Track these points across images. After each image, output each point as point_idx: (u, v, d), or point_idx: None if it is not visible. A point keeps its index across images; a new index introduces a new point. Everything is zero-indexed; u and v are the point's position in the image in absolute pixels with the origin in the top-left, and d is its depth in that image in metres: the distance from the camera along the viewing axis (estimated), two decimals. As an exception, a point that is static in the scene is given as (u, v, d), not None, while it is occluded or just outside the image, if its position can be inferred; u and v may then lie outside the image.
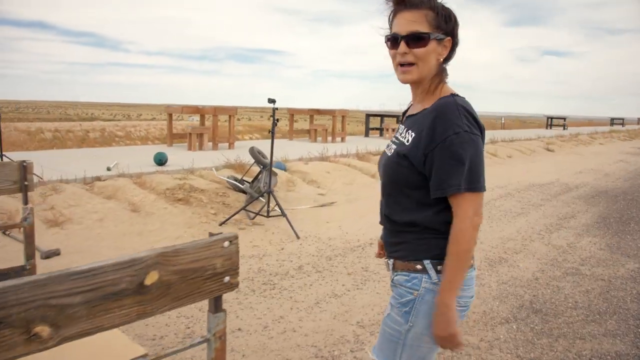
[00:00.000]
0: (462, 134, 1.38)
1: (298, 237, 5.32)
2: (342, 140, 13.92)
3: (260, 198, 6.30)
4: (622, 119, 49.67)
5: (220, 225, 5.56)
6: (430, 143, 1.41)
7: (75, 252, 4.51)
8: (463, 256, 1.41)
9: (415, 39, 1.42)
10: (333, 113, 13.39)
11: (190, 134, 10.00)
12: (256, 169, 7.12)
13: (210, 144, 10.53)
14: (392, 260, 1.58)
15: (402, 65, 1.46)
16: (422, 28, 1.42)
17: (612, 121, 47.94)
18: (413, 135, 1.47)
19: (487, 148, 15.02)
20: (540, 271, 4.65)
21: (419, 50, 1.43)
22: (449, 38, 1.46)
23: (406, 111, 1.65)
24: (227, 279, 1.22)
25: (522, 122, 43.72)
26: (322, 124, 13.98)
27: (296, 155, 9.68)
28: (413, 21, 1.42)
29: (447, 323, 1.42)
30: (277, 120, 5.48)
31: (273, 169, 7.74)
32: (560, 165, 13.98)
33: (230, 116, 10.67)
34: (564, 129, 31.74)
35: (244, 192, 6.56)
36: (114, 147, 13.29)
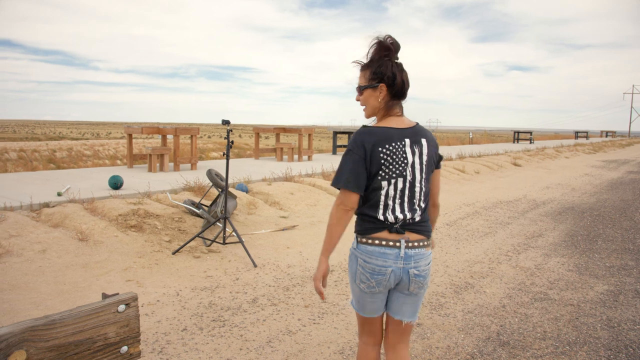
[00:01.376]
0: (348, 147, 2.13)
1: (255, 265, 5.04)
2: (309, 158, 13.72)
3: (218, 223, 6.01)
4: (587, 132, 50.94)
5: (174, 254, 5.24)
6: None
7: (9, 288, 4.13)
8: (329, 229, 2.12)
9: (358, 90, 2.21)
10: (299, 131, 13.20)
11: (150, 155, 9.64)
12: (215, 191, 6.83)
13: (172, 164, 10.19)
14: None
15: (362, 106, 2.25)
16: (361, 83, 2.19)
17: (577, 134, 49.10)
18: None
19: (455, 164, 15.03)
20: (508, 297, 4.47)
21: (360, 97, 2.21)
22: (382, 84, 2.13)
23: None
24: (124, 349, 1.01)
25: (490, 136, 44.40)
26: (288, 142, 13.75)
27: (260, 176, 9.41)
28: (360, 78, 2.20)
29: (317, 273, 2.17)
30: (232, 142, 5.22)
31: (233, 191, 7.46)
32: (528, 180, 14.04)
33: (192, 136, 10.36)
34: (531, 142, 32.28)
35: (201, 216, 6.26)
36: (71, 169, 12.79)
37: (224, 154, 5.19)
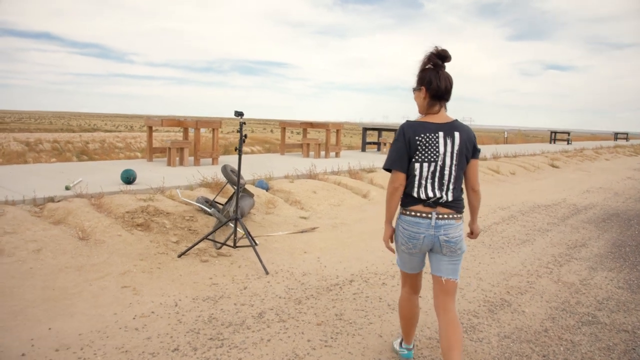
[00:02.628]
0: (395, 137, 2.69)
1: (267, 273, 4.58)
2: (337, 155, 13.22)
3: (230, 224, 5.58)
4: (627, 134, 48.95)
5: (180, 257, 4.83)
6: None
7: (-6, 292, 3.78)
8: (387, 203, 2.70)
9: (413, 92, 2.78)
10: (327, 126, 12.71)
11: (169, 148, 9.30)
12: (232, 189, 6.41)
13: (193, 159, 9.83)
14: None
15: None
16: (413, 87, 2.76)
17: (616, 135, 47.21)
18: None
19: (489, 164, 14.30)
20: (550, 319, 3.90)
21: (414, 97, 2.77)
22: (422, 87, 2.67)
23: None
24: None
25: (526, 136, 43.01)
26: (316, 137, 13.29)
27: (283, 172, 8.96)
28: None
29: (384, 235, 2.79)
30: (245, 136, 4.77)
31: (251, 188, 7.02)
32: (567, 183, 13.23)
33: (214, 129, 9.98)
34: (568, 143, 31.01)
35: (212, 216, 5.84)
36: (88, 161, 12.63)
37: (236, 149, 4.74)
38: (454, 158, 2.61)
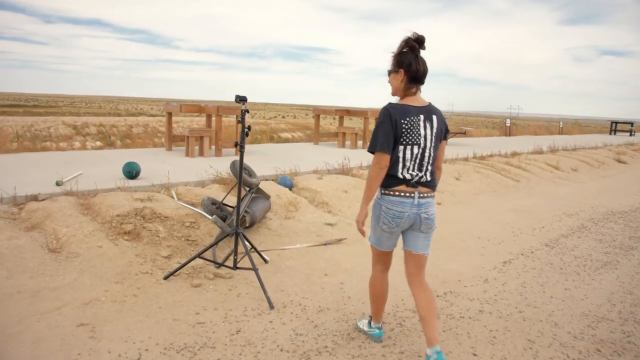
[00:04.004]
0: (378, 120, 2.75)
1: (271, 307, 3.54)
2: (376, 146, 12.02)
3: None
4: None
5: (166, 278, 3.85)
6: None
7: None
8: (368, 183, 2.76)
9: (388, 73, 2.87)
10: (365, 114, 11.52)
11: (187, 137, 8.38)
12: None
13: (214, 148, 8.89)
14: None
15: None
16: (388, 68, 2.86)
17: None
18: None
19: (547, 159, 12.79)
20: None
21: (388, 79, 2.88)
22: (401, 69, 2.78)
23: None
24: None
25: (583, 126, 40.33)
26: (353, 126, 12.13)
27: (312, 165, 7.89)
28: (390, 65, 2.86)
29: (358, 217, 2.83)
30: (249, 128, 3.72)
31: (272, 186, 5.98)
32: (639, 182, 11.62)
33: (237, 116, 8.98)
34: (631, 134, 28.56)
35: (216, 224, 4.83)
36: (100, 150, 11.88)
37: (236, 144, 3.70)
38: (432, 140, 2.78)
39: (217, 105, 8.62)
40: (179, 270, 3.93)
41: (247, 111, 3.66)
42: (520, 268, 4.93)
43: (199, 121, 31.26)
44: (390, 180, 2.75)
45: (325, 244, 5.01)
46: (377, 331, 3.20)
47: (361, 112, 11.61)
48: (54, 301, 3.35)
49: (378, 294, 3.13)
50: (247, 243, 3.85)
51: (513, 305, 3.98)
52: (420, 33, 2.76)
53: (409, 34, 2.76)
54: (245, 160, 8.38)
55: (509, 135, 21.34)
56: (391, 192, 2.75)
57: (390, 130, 2.68)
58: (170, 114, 8.97)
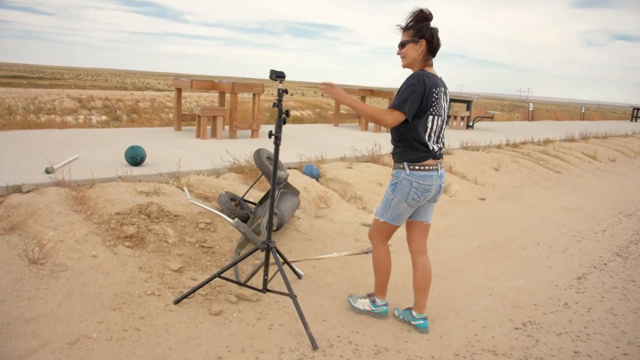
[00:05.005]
0: (409, 82, 2.71)
1: (315, 347, 2.71)
2: (400, 129, 11.11)
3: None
4: None
5: (177, 303, 3.02)
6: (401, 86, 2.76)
7: None
8: (373, 112, 2.79)
9: (401, 45, 2.80)
10: (390, 94, 10.59)
11: (198, 117, 7.50)
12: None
13: (228, 129, 8.02)
14: (393, 161, 2.92)
15: (401, 58, 2.84)
16: (404, 39, 2.78)
17: None
18: None
19: (583, 148, 11.86)
20: None
21: (402, 50, 2.80)
22: (422, 40, 2.74)
23: None
24: None
25: (603, 111, 39.08)
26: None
27: (338, 152, 7.02)
28: (403, 37, 2.79)
29: (337, 93, 2.81)
30: (287, 113, 2.85)
31: (297, 177, 5.11)
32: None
33: (254, 94, 8.09)
34: (653, 122, 27.44)
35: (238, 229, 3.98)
36: (101, 128, 11.04)
37: (271, 134, 2.84)
38: (446, 112, 2.87)
39: (232, 81, 7.72)
40: (190, 295, 3.10)
41: (286, 91, 2.79)
42: (599, 287, 4.09)
43: (207, 97, 30.29)
44: (419, 154, 2.78)
45: (367, 252, 4.17)
46: (385, 307, 3.17)
47: (387, 92, 10.68)
48: (28, 340, 2.53)
49: (388, 269, 3.11)
50: (279, 263, 3.00)
51: (612, 343, 3.16)
52: (425, 8, 2.78)
53: (419, 8, 2.76)
54: (260, 143, 7.53)
55: (531, 119, 20.35)
56: (422, 167, 2.77)
57: (419, 98, 2.68)
58: (179, 90, 8.08)
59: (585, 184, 8.59)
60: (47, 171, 4.63)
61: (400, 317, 3.16)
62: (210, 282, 3.14)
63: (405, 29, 2.77)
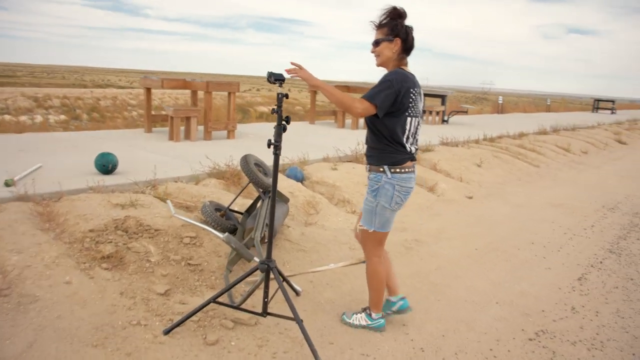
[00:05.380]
0: (387, 77, 2.61)
1: (327, 381, 2.45)
2: (376, 126, 10.92)
3: (257, 259, 3.43)
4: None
5: (167, 334, 2.70)
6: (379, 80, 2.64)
7: None
8: (342, 97, 2.60)
9: (375, 44, 2.69)
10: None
11: (171, 117, 7.10)
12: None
13: (203, 130, 7.64)
14: (368, 165, 2.82)
15: (375, 57, 2.72)
16: (378, 37, 2.68)
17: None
18: None
19: (556, 140, 11.94)
20: None
21: (376, 49, 2.69)
22: (397, 39, 2.64)
23: None
24: None
25: (565, 103, 39.91)
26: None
27: (319, 152, 6.75)
28: (377, 35, 2.69)
29: (307, 74, 2.59)
30: (288, 120, 2.56)
31: (281, 181, 4.81)
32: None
33: (230, 93, 7.73)
34: (612, 112, 28.16)
35: (228, 244, 3.66)
36: (65, 131, 10.51)
37: (274, 138, 2.55)
38: (421, 113, 2.77)
39: (207, 80, 7.34)
40: (181, 325, 2.78)
41: (287, 95, 2.51)
42: (601, 287, 3.98)
43: (172, 94, 29.46)
44: (401, 156, 2.69)
45: (364, 262, 3.91)
46: (382, 321, 3.01)
47: (363, 87, 10.44)
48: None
49: (383, 280, 2.96)
50: (281, 284, 2.72)
51: (627, 350, 3.03)
52: (399, 6, 2.69)
53: (391, 6, 2.67)
54: (237, 144, 7.20)
55: (501, 112, 20.52)
56: (403, 170, 2.69)
57: (394, 95, 2.57)
58: (149, 90, 7.64)
59: (565, 178, 8.57)
60: (7, 184, 4.20)
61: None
62: (216, 302, 2.83)
63: (379, 26, 2.68)
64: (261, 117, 18.07)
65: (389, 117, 2.62)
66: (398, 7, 2.66)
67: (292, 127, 10.33)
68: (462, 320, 3.23)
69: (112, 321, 2.72)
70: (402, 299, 3.06)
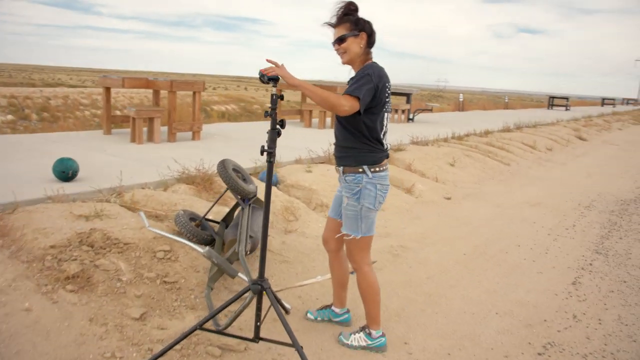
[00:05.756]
0: (365, 71, 2.47)
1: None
2: (345, 125, 10.69)
3: (241, 275, 3.12)
4: (614, 100, 47.35)
5: (146, 367, 2.37)
6: (354, 78, 2.49)
7: None
8: (327, 95, 2.36)
9: (340, 40, 2.53)
10: (335, 89, 10.13)
11: (133, 118, 6.66)
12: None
13: (167, 131, 7.21)
14: (341, 167, 2.63)
15: (340, 54, 2.57)
16: (341, 33, 2.52)
17: (604, 101, 45.36)
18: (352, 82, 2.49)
19: (523, 138, 12.05)
20: None
21: (342, 45, 2.53)
22: (362, 33, 2.52)
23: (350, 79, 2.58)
24: None
25: (523, 100, 40.88)
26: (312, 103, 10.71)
27: (291, 154, 6.45)
28: (339, 31, 2.53)
29: (285, 72, 2.36)
30: (282, 122, 2.30)
31: (257, 181, 4.50)
32: (611, 161, 11.12)
33: (195, 93, 7.34)
34: (567, 109, 28.99)
35: (210, 259, 3.33)
36: (19, 135, 9.84)
37: (268, 144, 2.27)
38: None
39: (171, 80, 6.92)
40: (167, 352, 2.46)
41: (282, 97, 2.23)
42: (597, 292, 3.87)
43: (126, 93, 28.42)
44: (379, 154, 2.59)
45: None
46: (383, 339, 2.79)
47: (330, 86, 10.20)
48: None
49: (378, 291, 2.77)
50: (275, 304, 2.43)
51: (638, 360, 2.89)
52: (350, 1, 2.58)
53: (344, 1, 2.54)
54: (204, 146, 6.84)
55: (462, 110, 20.71)
56: (381, 169, 2.59)
57: (373, 90, 2.46)
58: (108, 89, 7.15)
59: (536, 176, 8.58)
60: (-46, 195, 3.73)
61: (319, 317, 3.05)
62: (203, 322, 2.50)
63: (339, 23, 2.54)
64: (223, 116, 17.59)
65: (369, 114, 2.49)
66: (353, 1, 2.54)
67: (257, 127, 10.02)
68: (465, 335, 3.02)
69: (82, 355, 2.36)
70: (347, 312, 3.03)
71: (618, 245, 5.03)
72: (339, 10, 2.54)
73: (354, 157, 2.57)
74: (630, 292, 3.89)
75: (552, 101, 31.03)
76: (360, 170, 2.55)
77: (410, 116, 13.03)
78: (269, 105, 2.24)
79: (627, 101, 57.08)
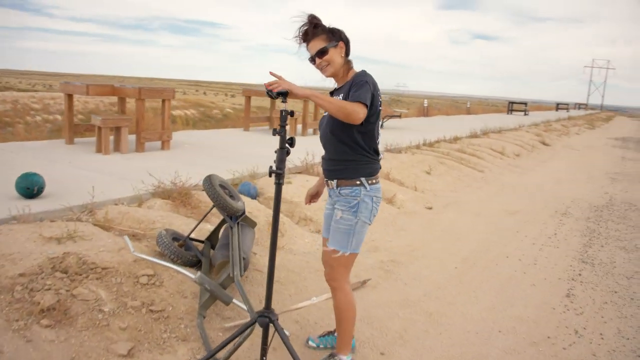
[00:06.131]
0: (362, 79, 2.34)
1: None
2: (315, 132, 10.51)
3: (237, 302, 2.89)
4: (567, 104, 49.04)
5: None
6: (350, 87, 2.34)
7: None
8: (343, 105, 2.22)
9: (320, 53, 2.41)
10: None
11: (99, 128, 6.28)
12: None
13: (134, 141, 6.86)
14: (335, 180, 2.49)
15: (322, 68, 2.44)
16: (320, 46, 2.40)
17: (558, 106, 46.90)
18: (342, 95, 2.39)
19: (491, 144, 12.19)
20: None
21: (326, 57, 2.41)
22: (341, 42, 2.44)
23: (333, 90, 2.53)
24: None
25: (484, 105, 41.74)
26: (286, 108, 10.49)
27: (261, 163, 6.20)
28: (317, 45, 2.41)
29: (291, 85, 2.21)
30: (291, 141, 2.13)
31: (245, 206, 4.25)
32: (574, 166, 11.39)
33: (164, 100, 7.01)
34: (525, 114, 29.77)
35: (201, 285, 3.07)
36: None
37: (277, 164, 2.07)
38: None
39: (139, 87, 6.57)
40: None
41: (292, 113, 2.05)
42: (591, 304, 3.83)
43: (81, 99, 27.43)
44: (374, 165, 2.50)
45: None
46: None
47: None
48: None
49: (355, 312, 2.61)
50: (284, 339, 2.22)
51: (646, 380, 2.81)
52: (309, 12, 2.47)
53: (307, 14, 2.44)
54: (175, 156, 6.54)
55: (427, 115, 20.90)
56: (376, 181, 2.52)
57: (372, 98, 2.37)
58: (70, 96, 6.74)
59: (508, 182, 8.64)
60: None
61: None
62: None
63: (313, 36, 2.42)
64: (188, 123, 17.08)
65: (367, 123, 2.38)
66: (312, 14, 2.45)
67: (226, 135, 9.72)
68: (473, 357, 2.89)
69: (65, 403, 2.09)
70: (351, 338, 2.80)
71: (601, 254, 5.04)
72: (305, 25, 2.43)
73: (351, 170, 2.45)
74: (624, 304, 3.86)
75: (511, 106, 31.84)
76: (358, 182, 2.44)
77: (380, 122, 12.99)
78: (275, 115, 2.02)
79: (578, 106, 59.37)
